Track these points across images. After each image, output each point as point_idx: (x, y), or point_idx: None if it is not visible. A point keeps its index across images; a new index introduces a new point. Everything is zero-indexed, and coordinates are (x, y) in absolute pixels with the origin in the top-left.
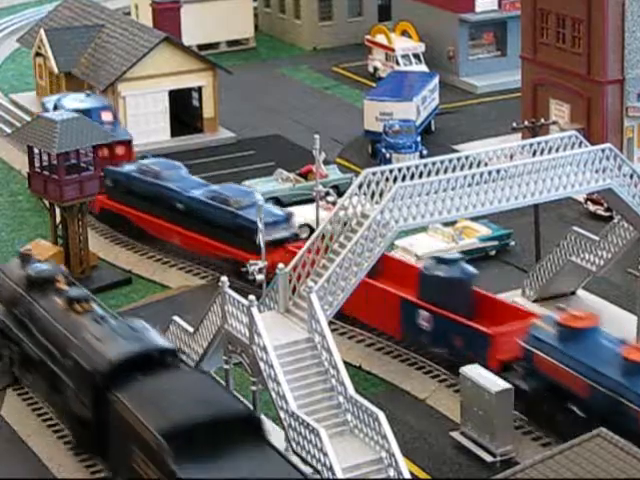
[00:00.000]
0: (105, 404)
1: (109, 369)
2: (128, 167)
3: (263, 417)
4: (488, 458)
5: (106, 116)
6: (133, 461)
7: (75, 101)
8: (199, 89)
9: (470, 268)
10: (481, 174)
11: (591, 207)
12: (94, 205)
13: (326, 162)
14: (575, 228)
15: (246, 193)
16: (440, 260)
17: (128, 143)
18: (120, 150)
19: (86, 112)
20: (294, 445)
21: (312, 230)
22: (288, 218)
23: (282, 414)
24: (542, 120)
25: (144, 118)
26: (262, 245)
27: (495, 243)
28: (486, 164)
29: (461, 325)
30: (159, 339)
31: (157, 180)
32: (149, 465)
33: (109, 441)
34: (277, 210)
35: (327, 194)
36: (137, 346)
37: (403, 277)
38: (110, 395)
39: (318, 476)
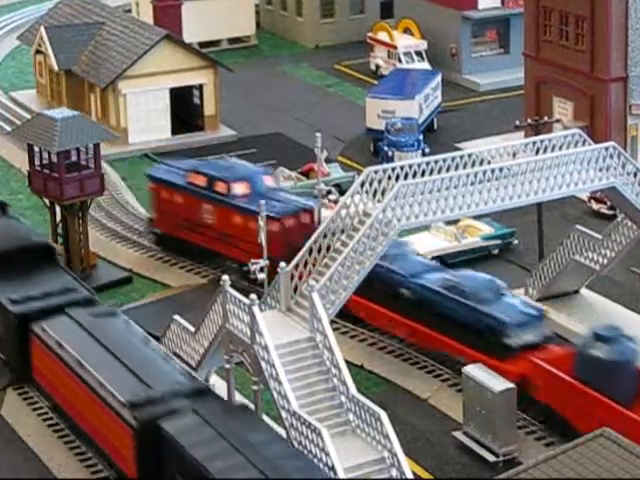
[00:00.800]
0: None
1: None
2: None
3: (55, 246)
4: (491, 458)
5: (270, 181)
6: None
7: None
8: (200, 87)
9: None
10: (484, 172)
11: (594, 206)
12: None
13: (328, 160)
14: (578, 227)
15: (489, 283)
16: None
17: (313, 211)
18: (305, 218)
19: (249, 178)
20: (296, 445)
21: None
22: (541, 317)
23: (284, 413)
24: (545, 118)
25: (145, 116)
26: (263, 240)
27: (498, 242)
28: (489, 162)
29: None
30: None
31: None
32: None
33: None
34: (528, 307)
35: (329, 192)
36: None
37: None
38: None
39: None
